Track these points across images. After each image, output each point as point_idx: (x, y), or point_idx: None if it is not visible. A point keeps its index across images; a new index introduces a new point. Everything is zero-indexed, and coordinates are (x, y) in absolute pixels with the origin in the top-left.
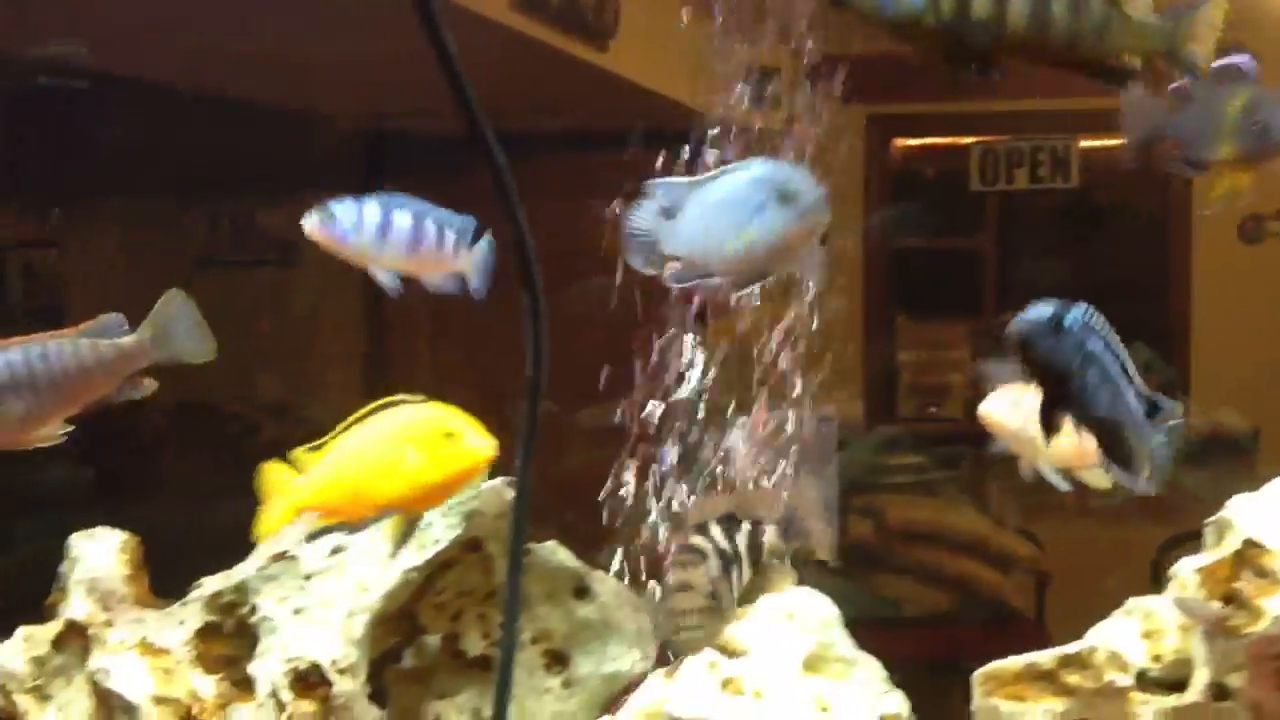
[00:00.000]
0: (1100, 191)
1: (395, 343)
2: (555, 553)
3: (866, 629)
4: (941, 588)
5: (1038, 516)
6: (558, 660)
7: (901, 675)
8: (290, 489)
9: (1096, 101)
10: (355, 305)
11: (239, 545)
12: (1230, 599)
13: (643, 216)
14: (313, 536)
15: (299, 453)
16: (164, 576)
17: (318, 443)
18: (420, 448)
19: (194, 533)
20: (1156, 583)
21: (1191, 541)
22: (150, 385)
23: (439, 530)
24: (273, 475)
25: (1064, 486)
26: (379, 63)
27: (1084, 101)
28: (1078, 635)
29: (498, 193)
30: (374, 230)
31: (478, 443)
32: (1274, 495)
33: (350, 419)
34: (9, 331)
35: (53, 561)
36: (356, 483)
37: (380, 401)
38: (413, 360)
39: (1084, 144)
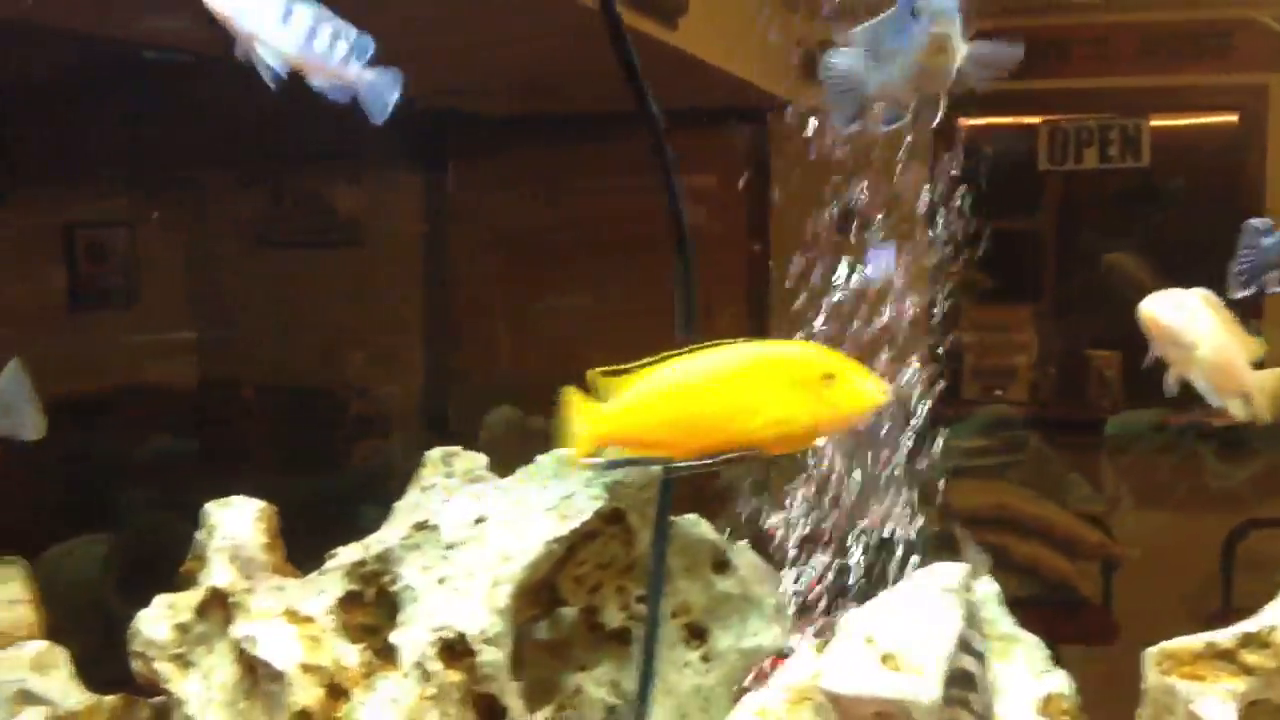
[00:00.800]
0: (1165, 172)
1: (459, 323)
2: (696, 525)
3: None
4: (1007, 572)
5: (1106, 502)
6: (696, 634)
7: None
8: (600, 416)
9: (1167, 79)
10: (418, 285)
11: (336, 514)
12: None
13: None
14: (610, 466)
15: (596, 375)
16: None
17: (620, 368)
18: (796, 388)
19: (291, 502)
20: (1227, 570)
21: (1266, 529)
22: None
23: (581, 501)
24: (576, 402)
25: (1215, 401)
26: (446, 41)
27: (1154, 79)
28: (1146, 622)
29: (657, 165)
30: (276, 14)
31: (866, 386)
32: None
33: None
34: (74, 311)
35: (166, 531)
36: (698, 417)
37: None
38: (477, 340)
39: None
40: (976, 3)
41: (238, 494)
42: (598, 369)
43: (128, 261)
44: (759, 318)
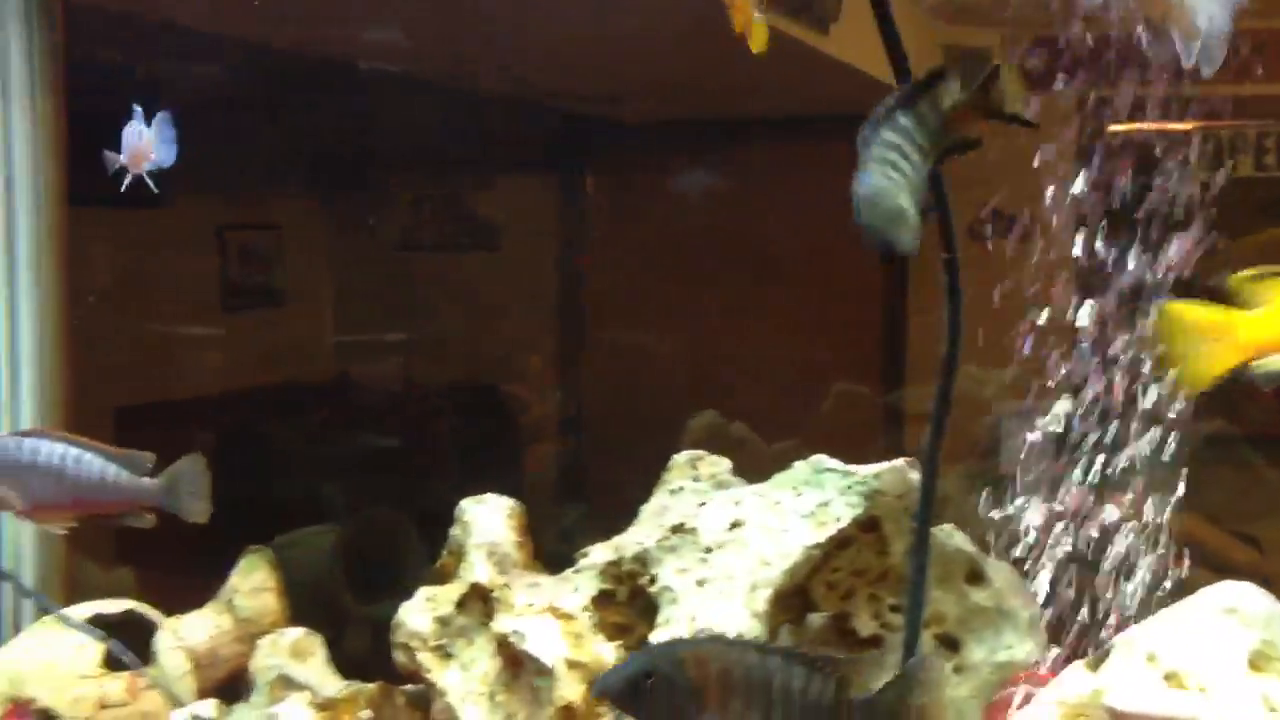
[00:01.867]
0: None
1: (592, 327)
2: (951, 536)
3: None
4: None
5: (1258, 517)
6: (949, 645)
7: None
8: (1258, 322)
9: None
10: (552, 290)
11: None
12: None
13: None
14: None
15: (1243, 279)
16: None
17: (1261, 271)
18: None
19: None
20: None
21: None
22: (150, 520)
23: (839, 508)
24: (1204, 316)
25: None
26: (584, 47)
27: None
28: None
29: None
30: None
31: None
32: None
33: None
34: (228, 309)
35: (385, 524)
36: None
37: None
38: (611, 345)
39: None
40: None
41: (441, 489)
42: (1243, 272)
43: (276, 263)
44: (895, 334)
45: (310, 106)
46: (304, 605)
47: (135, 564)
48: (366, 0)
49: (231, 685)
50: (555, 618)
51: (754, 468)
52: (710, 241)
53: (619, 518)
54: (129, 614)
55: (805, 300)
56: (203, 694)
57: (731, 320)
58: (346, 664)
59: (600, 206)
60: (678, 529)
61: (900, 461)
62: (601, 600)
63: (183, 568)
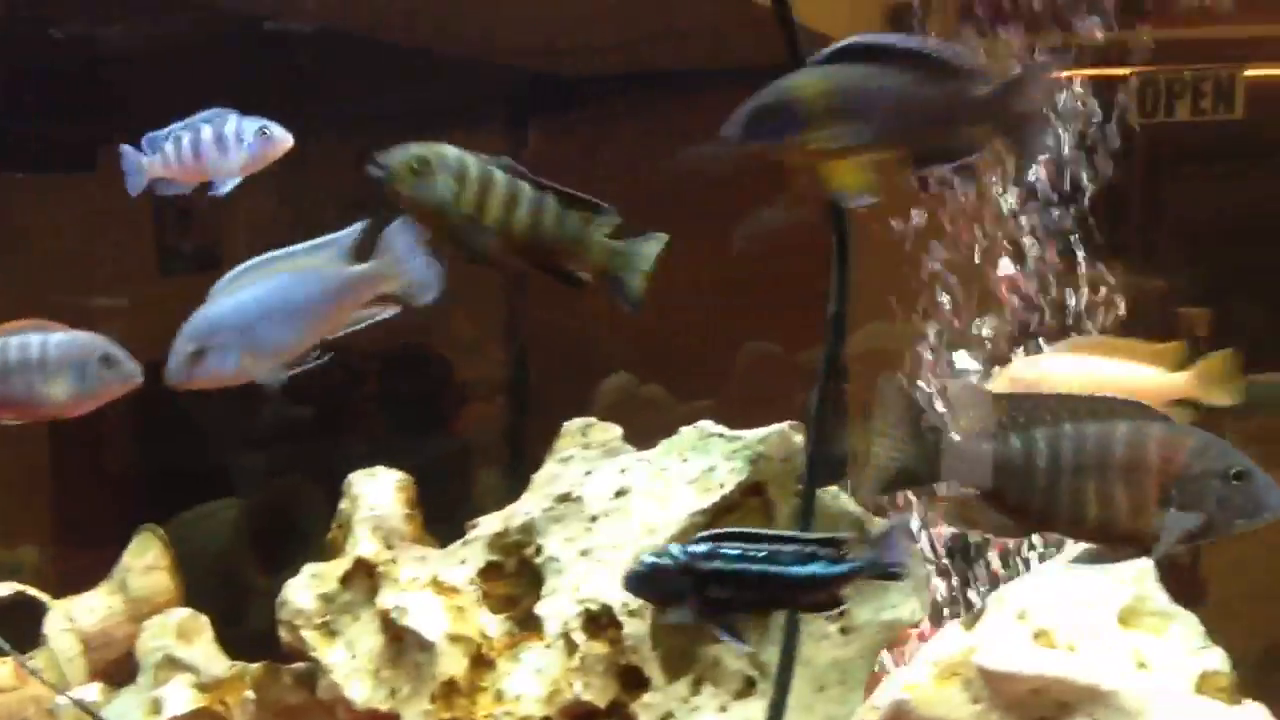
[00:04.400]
0: (1269, 126)
1: (527, 288)
2: (837, 498)
3: None
4: None
5: None
6: None
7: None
8: None
9: (1263, 28)
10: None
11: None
12: None
13: None
14: None
15: None
16: None
17: None
18: None
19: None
20: None
21: None
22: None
23: (723, 474)
24: None
25: None
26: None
27: (1250, 29)
28: (1235, 582)
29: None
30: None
31: None
32: None
33: None
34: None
35: (292, 496)
36: None
37: None
38: (544, 306)
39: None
40: None
41: (355, 459)
42: None
43: (212, 226)
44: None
45: (239, 64)
46: (205, 581)
47: (38, 543)
48: None
49: (128, 665)
50: (438, 592)
51: (668, 430)
52: (644, 196)
53: None
54: (19, 596)
55: (732, 257)
56: (96, 675)
57: (662, 276)
58: (250, 639)
59: (540, 162)
60: (564, 498)
61: (784, 425)
62: (489, 572)
63: (90, 545)
